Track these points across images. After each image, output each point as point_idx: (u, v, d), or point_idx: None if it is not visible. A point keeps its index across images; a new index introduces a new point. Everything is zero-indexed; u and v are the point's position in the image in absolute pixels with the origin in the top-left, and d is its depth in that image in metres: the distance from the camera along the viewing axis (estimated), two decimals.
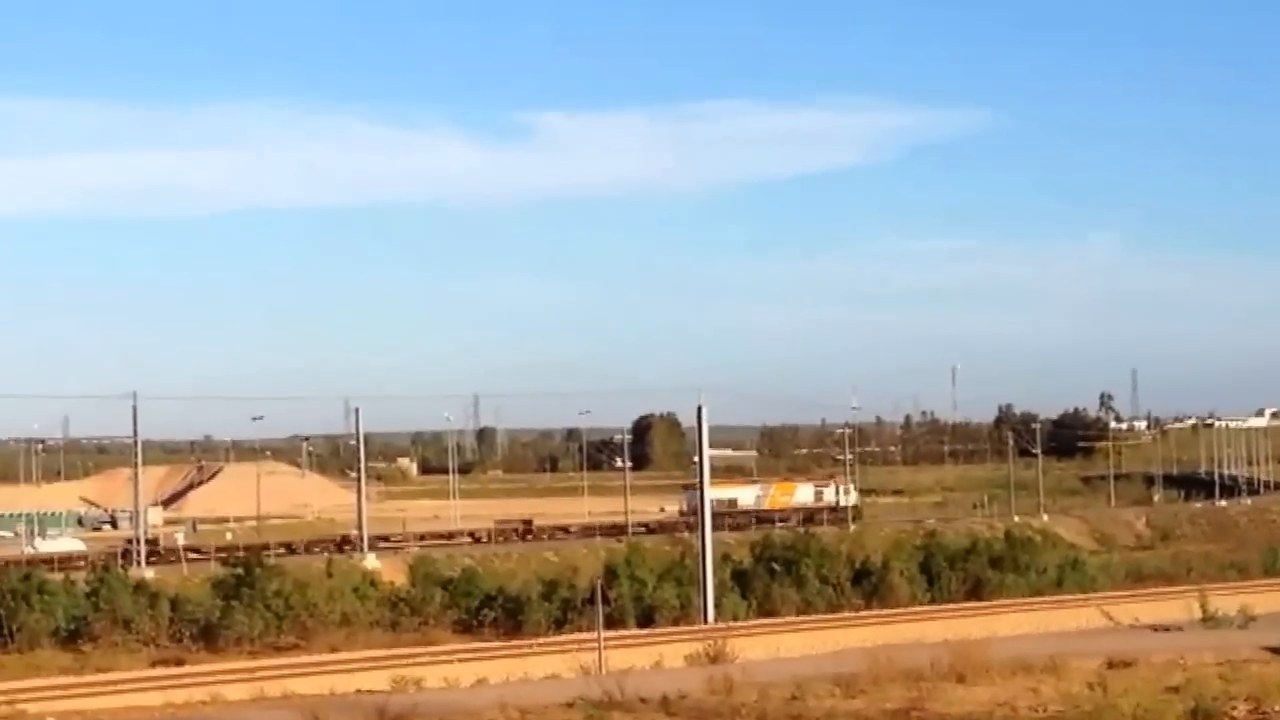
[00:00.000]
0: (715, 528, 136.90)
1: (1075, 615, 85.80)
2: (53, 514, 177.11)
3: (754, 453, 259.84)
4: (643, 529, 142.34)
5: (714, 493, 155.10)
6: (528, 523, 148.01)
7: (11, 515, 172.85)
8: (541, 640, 78.55)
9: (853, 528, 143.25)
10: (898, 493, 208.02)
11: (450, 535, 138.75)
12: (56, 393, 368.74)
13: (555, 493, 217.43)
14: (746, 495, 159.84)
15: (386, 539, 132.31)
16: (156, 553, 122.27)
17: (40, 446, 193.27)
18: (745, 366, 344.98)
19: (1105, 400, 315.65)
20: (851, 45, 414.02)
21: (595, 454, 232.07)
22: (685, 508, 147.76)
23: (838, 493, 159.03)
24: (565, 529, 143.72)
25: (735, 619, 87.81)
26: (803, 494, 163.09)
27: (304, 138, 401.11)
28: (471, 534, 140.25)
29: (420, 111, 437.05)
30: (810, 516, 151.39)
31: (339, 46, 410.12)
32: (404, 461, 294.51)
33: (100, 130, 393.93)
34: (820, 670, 31.77)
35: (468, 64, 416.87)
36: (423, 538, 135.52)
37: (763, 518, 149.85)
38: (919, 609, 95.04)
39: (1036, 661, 31.45)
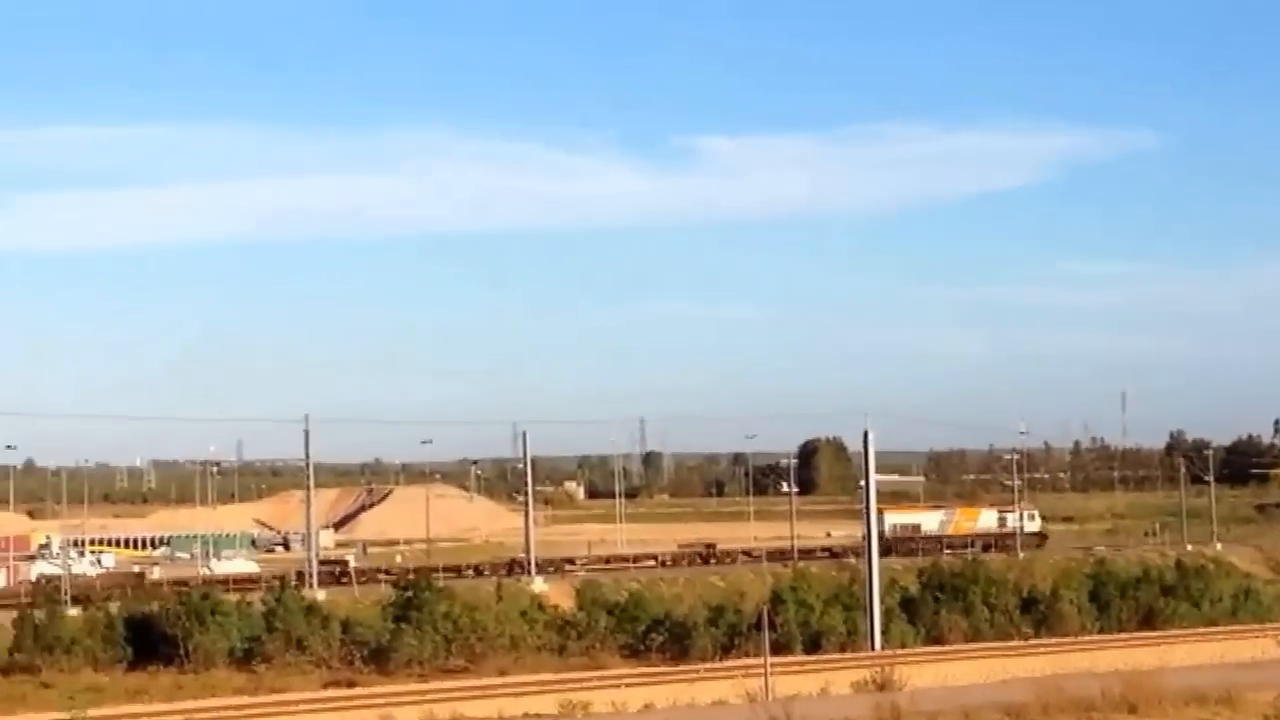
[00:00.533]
0: (900, 553, 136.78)
1: (1250, 646, 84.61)
2: (227, 535, 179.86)
3: (920, 478, 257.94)
4: (826, 553, 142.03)
5: (898, 518, 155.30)
6: (710, 546, 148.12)
7: (187, 537, 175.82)
8: (708, 665, 78.52)
9: (1021, 555, 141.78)
10: (1067, 520, 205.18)
11: (635, 559, 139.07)
12: (231, 416, 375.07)
13: (721, 517, 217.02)
14: (930, 520, 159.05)
15: (572, 561, 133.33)
16: (346, 574, 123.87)
17: (215, 469, 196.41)
18: (912, 390, 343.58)
19: None
20: (1018, 67, 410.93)
21: (761, 478, 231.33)
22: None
23: (1021, 518, 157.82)
24: (748, 553, 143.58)
25: (903, 646, 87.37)
26: (986, 519, 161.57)
27: (476, 163, 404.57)
28: (655, 557, 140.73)
29: (587, 137, 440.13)
30: (994, 542, 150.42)
31: (511, 73, 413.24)
32: (571, 485, 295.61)
33: (276, 156, 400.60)
34: (989, 699, 31.69)
35: (633, 89, 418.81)
36: (608, 561, 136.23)
37: (946, 543, 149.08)
38: (1089, 638, 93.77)
39: (1211, 692, 31.14)
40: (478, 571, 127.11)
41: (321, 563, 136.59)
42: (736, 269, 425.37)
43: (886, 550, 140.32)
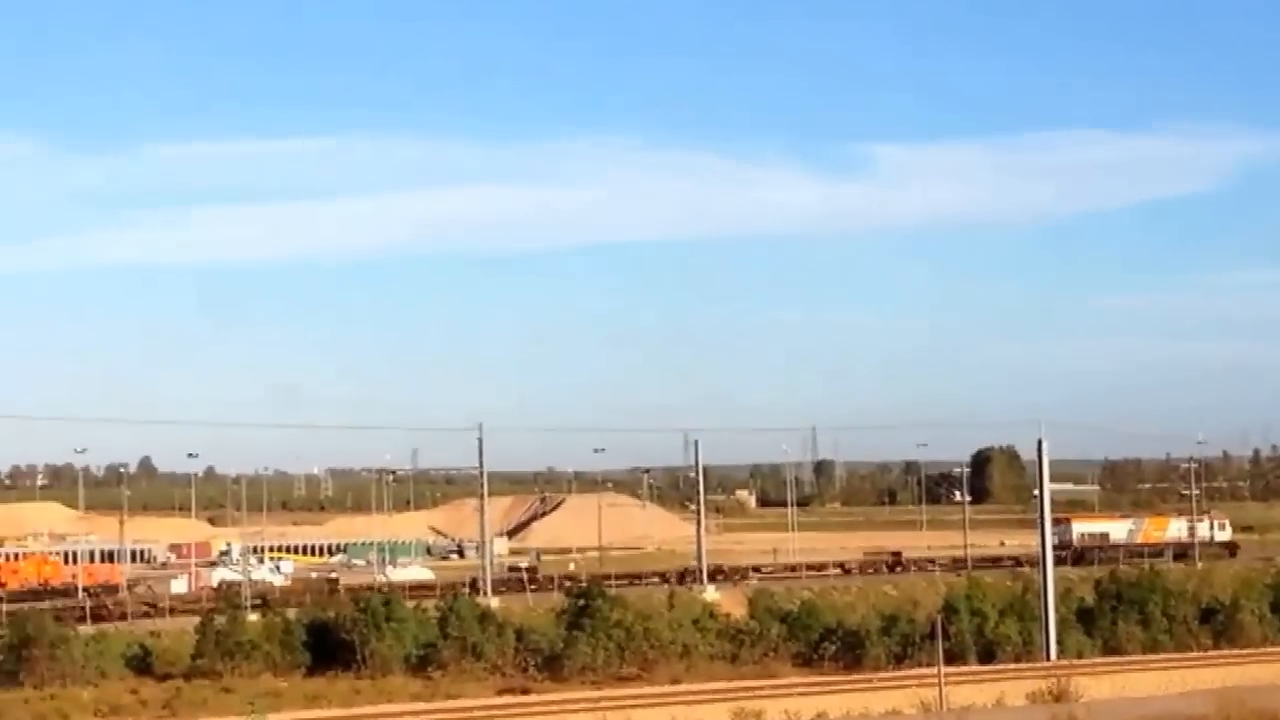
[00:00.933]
0: (1087, 562, 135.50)
1: None
2: (402, 543, 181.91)
3: (1095, 487, 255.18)
4: (1012, 563, 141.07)
5: (1086, 527, 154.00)
6: (896, 555, 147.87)
7: (363, 544, 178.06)
8: (881, 675, 78.17)
9: (1200, 565, 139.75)
10: (1247, 529, 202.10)
11: (820, 567, 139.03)
12: (407, 425, 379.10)
13: (893, 526, 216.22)
14: (1119, 530, 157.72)
15: (759, 569, 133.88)
16: (535, 580, 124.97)
17: (391, 477, 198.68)
18: (1086, 399, 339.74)
19: None
20: (1192, 72, 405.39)
21: (933, 487, 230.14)
22: (1056, 542, 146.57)
23: (1212, 528, 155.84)
24: (934, 561, 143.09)
25: (1079, 657, 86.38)
26: (1175, 529, 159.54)
27: (651, 173, 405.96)
28: (842, 565, 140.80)
29: (761, 146, 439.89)
30: (1183, 552, 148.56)
31: (685, 84, 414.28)
32: (742, 494, 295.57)
33: (449, 166, 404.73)
34: (1168, 710, 31.38)
35: (807, 99, 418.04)
36: (793, 569, 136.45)
37: (1134, 552, 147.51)
38: (1271, 650, 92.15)
39: None
40: (663, 578, 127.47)
41: (510, 569, 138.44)
42: (908, 277, 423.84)
43: (1076, 559, 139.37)
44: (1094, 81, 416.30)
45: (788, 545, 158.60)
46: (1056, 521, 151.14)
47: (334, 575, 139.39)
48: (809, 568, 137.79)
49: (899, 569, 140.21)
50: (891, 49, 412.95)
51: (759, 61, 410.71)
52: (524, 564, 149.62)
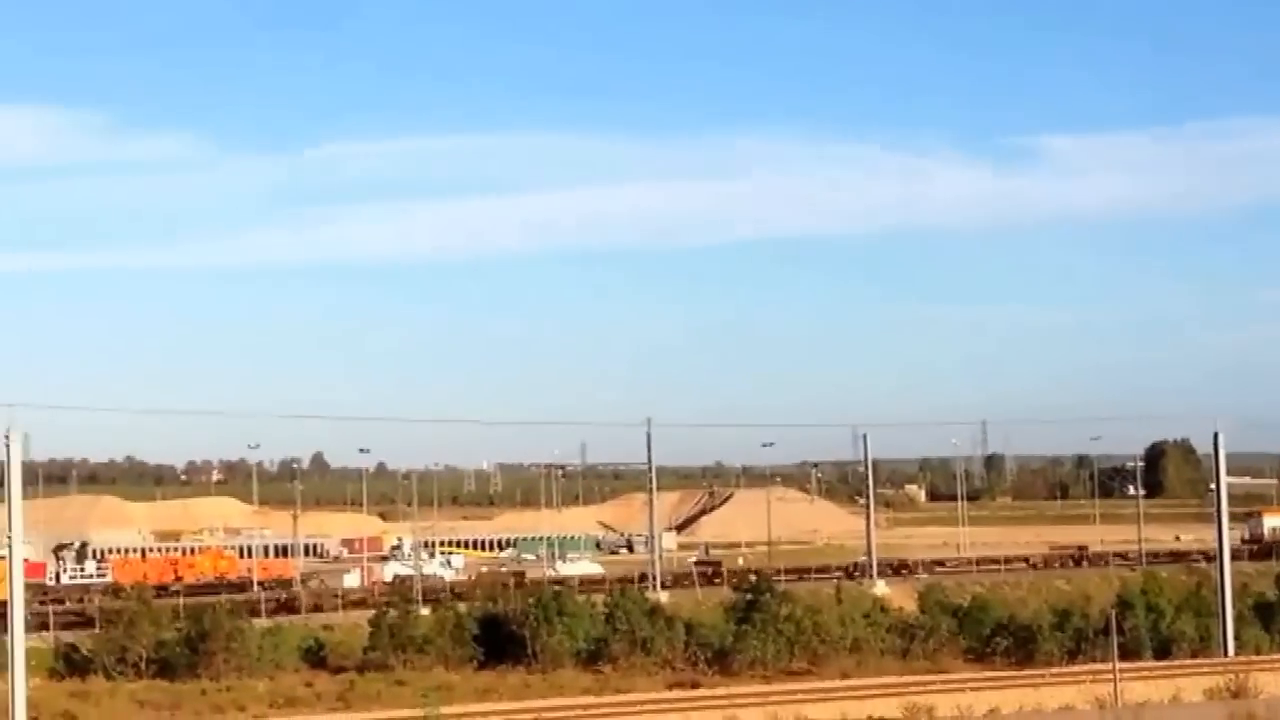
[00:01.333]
0: (1276, 556, 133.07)
1: None
2: (571, 538, 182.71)
3: (1274, 480, 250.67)
4: (1202, 557, 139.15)
5: (1276, 520, 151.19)
6: (1082, 549, 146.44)
7: (533, 539, 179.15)
8: (1054, 670, 77.44)
9: None
10: None
11: (1006, 560, 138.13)
12: (575, 420, 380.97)
13: (1065, 520, 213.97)
14: None
15: (941, 564, 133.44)
16: (719, 575, 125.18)
17: (560, 472, 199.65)
18: (1263, 391, 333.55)
19: None
20: None
21: (1106, 481, 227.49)
22: (1247, 535, 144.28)
23: None
24: (1123, 555, 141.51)
25: (1257, 652, 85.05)
26: None
27: (820, 166, 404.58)
28: (1026, 559, 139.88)
29: (925, 137, 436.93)
30: None
31: (849, 76, 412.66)
32: (912, 488, 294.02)
33: (612, 163, 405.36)
34: None
35: (971, 89, 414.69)
36: (977, 563, 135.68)
37: None
38: None
39: None
40: (845, 571, 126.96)
41: (696, 563, 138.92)
42: (1077, 269, 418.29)
43: (1265, 553, 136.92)
44: (1262, 69, 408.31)
45: (956, 540, 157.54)
46: (1248, 515, 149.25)
47: (519, 569, 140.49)
48: (991, 562, 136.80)
49: (1084, 563, 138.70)
50: (1053, 38, 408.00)
51: (922, 54, 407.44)
52: (706, 558, 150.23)
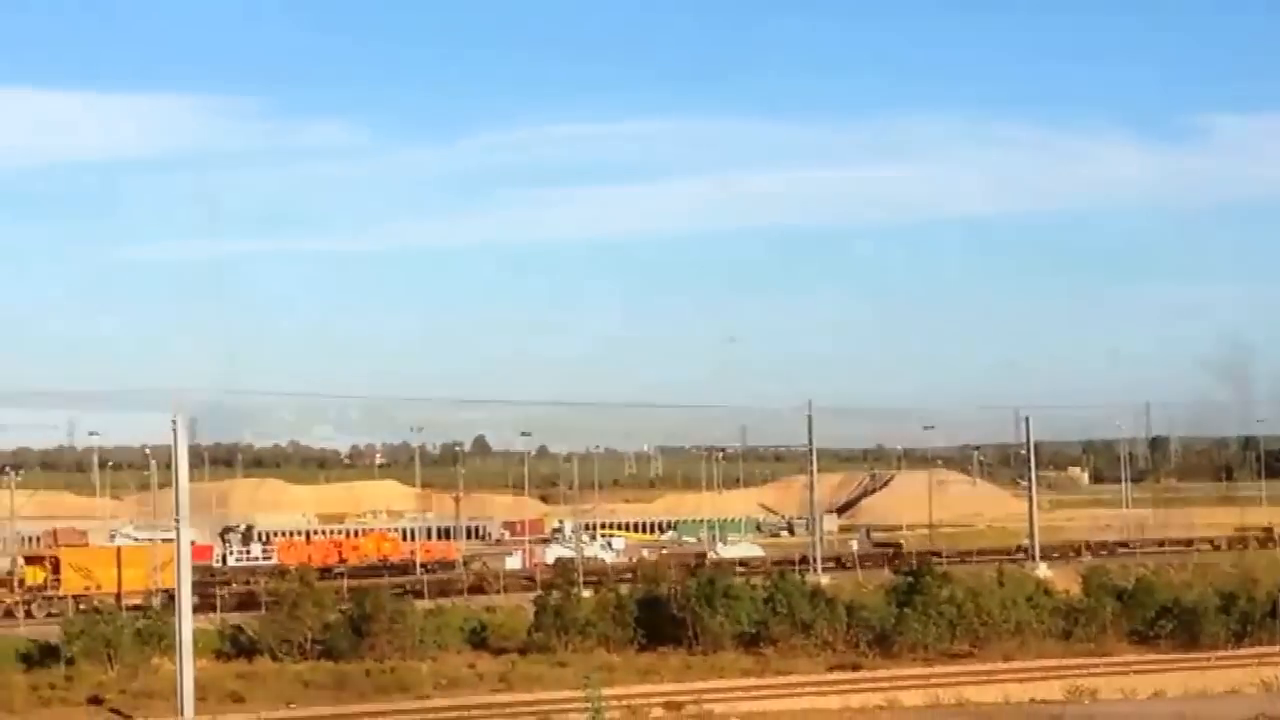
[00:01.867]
0: None
1: None
2: (732, 520, 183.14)
3: None
4: None
5: None
6: (1268, 530, 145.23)
7: (693, 521, 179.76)
8: (1220, 654, 76.61)
9: None
10: None
11: (1189, 542, 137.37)
12: (736, 403, 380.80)
13: (1230, 502, 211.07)
14: None
15: (1125, 545, 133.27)
16: (899, 557, 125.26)
17: (721, 454, 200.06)
18: None
19: None
20: None
21: (1273, 462, 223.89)
22: None
23: None
24: None
25: None
26: None
27: (987, 148, 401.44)
28: (1210, 541, 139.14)
29: (1089, 117, 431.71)
30: None
31: (1010, 57, 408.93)
32: (1075, 470, 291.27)
33: (782, 146, 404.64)
34: None
35: (1136, 67, 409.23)
36: (1162, 544, 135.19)
37: None
38: None
39: None
40: (1007, 555, 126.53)
41: (876, 545, 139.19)
42: (1246, 249, 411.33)
43: None
44: None
45: (1119, 522, 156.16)
46: None
47: (703, 550, 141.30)
48: (1173, 543, 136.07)
49: (1271, 544, 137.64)
50: (1220, 12, 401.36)
51: (1088, 33, 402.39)
52: (887, 541, 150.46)
